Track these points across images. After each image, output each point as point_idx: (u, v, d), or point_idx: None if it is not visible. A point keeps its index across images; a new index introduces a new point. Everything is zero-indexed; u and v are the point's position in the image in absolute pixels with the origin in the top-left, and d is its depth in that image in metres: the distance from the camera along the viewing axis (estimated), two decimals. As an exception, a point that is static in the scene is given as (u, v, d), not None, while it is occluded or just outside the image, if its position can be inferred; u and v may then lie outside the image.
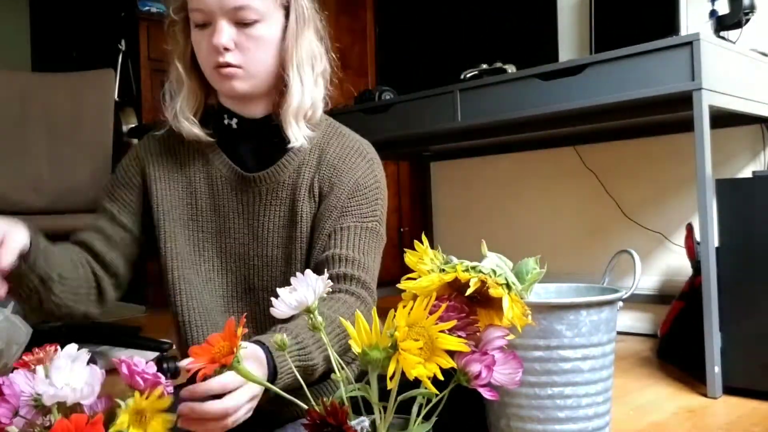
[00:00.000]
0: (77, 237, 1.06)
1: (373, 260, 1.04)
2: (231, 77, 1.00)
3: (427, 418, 0.68)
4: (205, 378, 0.68)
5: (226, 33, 0.97)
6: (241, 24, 0.98)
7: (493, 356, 0.66)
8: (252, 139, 1.08)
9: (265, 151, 1.07)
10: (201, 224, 1.06)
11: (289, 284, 0.71)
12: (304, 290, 0.71)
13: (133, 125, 2.43)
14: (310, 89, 1.04)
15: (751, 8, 1.89)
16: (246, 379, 0.70)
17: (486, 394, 0.65)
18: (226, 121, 1.06)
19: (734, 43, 1.94)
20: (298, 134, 1.03)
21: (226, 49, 0.98)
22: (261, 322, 1.06)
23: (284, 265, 1.05)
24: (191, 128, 1.04)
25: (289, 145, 1.04)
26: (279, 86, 1.05)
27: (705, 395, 1.61)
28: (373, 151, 1.12)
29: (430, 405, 0.67)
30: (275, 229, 1.06)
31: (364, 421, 0.64)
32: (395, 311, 0.65)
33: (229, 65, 0.99)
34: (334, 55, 1.11)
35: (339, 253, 1.00)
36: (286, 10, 1.03)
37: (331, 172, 1.06)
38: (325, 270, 0.94)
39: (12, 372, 0.67)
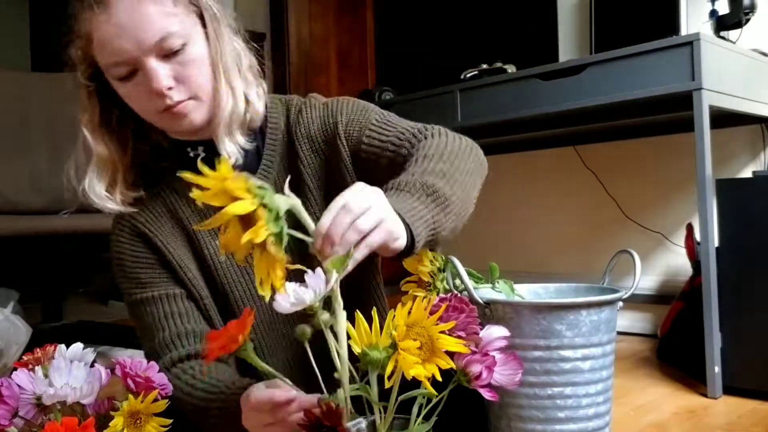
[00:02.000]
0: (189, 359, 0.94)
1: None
2: (184, 114, 0.90)
3: (427, 418, 0.68)
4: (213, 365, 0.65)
5: (161, 73, 0.86)
6: (171, 54, 0.87)
7: (494, 357, 0.66)
8: (209, 156, 0.97)
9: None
10: (210, 257, 0.99)
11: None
12: (305, 289, 0.70)
13: (133, 125, 2.43)
14: (241, 91, 0.94)
15: (751, 8, 1.89)
16: (259, 367, 0.69)
17: (486, 394, 0.65)
18: (192, 153, 0.98)
19: (734, 43, 1.94)
20: (232, 149, 0.94)
21: (170, 89, 0.87)
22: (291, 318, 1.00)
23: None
24: (105, 204, 0.93)
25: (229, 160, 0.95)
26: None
27: (705, 395, 1.61)
28: (321, 97, 1.06)
29: (430, 405, 0.67)
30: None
31: (361, 423, 0.64)
32: (395, 311, 0.65)
33: (178, 104, 0.89)
34: (256, 45, 1.01)
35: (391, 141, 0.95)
36: (201, 18, 0.92)
37: (309, 127, 1.00)
38: (402, 150, 0.92)
39: (12, 372, 0.67)
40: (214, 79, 0.92)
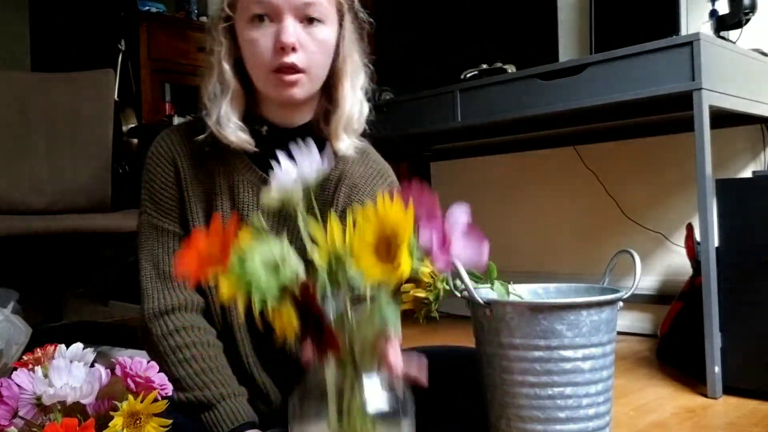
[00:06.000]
0: (187, 300, 1.01)
1: None
2: (293, 84, 0.94)
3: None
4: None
5: (293, 30, 0.91)
6: (307, 22, 0.93)
7: (441, 218, 0.64)
8: (279, 147, 1.06)
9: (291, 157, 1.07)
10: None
11: None
12: (306, 165, 0.69)
13: (133, 125, 2.43)
14: (358, 100, 1.02)
15: (751, 8, 1.89)
16: None
17: (441, 264, 0.62)
18: (256, 127, 1.01)
19: (734, 43, 1.94)
20: (348, 145, 1.02)
21: (293, 49, 0.92)
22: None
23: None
24: (237, 133, 0.96)
25: (339, 155, 1.03)
26: (321, 96, 1.02)
27: (705, 395, 1.61)
28: (394, 176, 1.12)
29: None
30: (298, 233, 1.05)
31: None
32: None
33: (294, 68, 0.93)
34: (371, 67, 1.07)
35: None
36: (340, 17, 0.99)
37: (351, 191, 1.05)
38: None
39: (12, 372, 0.67)
40: (338, 79, 1.00)
